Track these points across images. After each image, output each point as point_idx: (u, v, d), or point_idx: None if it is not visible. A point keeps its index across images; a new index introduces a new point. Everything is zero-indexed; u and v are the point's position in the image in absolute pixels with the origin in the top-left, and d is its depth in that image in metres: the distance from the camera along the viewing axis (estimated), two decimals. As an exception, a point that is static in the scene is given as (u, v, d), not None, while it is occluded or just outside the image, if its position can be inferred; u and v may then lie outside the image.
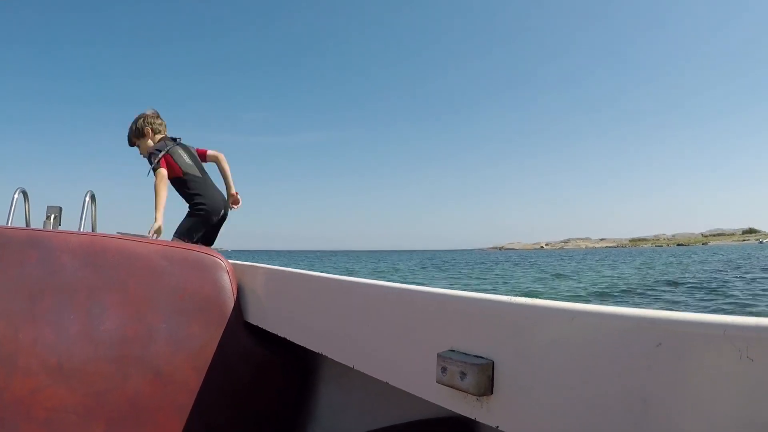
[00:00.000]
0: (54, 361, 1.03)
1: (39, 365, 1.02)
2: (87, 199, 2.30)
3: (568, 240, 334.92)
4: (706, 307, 9.74)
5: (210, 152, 2.59)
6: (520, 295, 0.60)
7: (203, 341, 1.08)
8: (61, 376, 1.02)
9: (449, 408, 0.62)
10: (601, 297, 12.17)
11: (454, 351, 0.61)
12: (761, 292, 11.67)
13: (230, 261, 1.18)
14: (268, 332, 1.09)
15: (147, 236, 1.61)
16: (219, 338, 1.09)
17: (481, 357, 0.57)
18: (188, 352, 1.07)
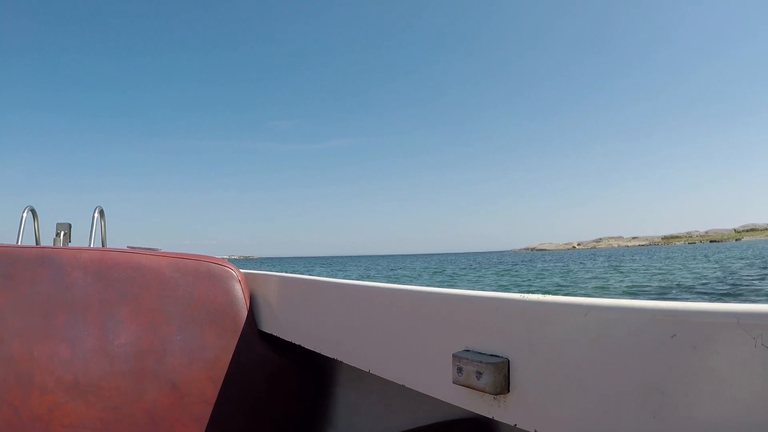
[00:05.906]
0: (70, 377, 1.03)
1: (55, 382, 1.02)
2: (96, 214, 2.28)
3: (600, 239, 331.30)
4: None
5: None
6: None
7: (218, 351, 1.08)
8: (77, 393, 1.02)
9: (466, 408, 0.61)
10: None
11: (469, 351, 0.61)
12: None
13: (242, 270, 1.19)
14: (283, 340, 1.09)
15: (158, 249, 1.63)
16: (234, 348, 1.09)
17: (497, 356, 0.57)
18: (203, 363, 1.07)
